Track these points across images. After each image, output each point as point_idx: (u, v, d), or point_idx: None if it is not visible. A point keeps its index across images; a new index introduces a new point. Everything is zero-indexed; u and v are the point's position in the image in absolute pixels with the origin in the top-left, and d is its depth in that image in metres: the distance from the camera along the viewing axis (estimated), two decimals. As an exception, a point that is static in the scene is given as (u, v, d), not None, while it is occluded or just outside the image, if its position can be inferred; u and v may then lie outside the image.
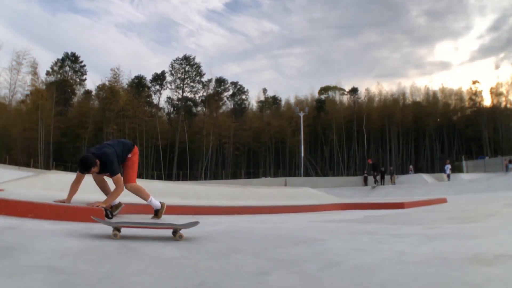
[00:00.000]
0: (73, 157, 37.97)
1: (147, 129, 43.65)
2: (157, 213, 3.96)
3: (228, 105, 53.51)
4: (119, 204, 3.95)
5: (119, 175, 3.63)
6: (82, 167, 3.47)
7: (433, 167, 42.05)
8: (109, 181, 3.90)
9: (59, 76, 45.27)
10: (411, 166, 34.26)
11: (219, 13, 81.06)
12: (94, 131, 41.74)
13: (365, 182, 24.44)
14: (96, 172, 3.58)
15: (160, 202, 4.01)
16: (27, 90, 40.16)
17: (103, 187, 3.91)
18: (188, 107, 51.26)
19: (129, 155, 3.89)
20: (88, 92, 47.66)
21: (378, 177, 17.26)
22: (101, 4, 68.39)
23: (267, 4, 77.30)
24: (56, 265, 1.69)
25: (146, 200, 3.91)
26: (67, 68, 46.85)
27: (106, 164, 3.54)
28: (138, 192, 3.88)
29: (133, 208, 4.28)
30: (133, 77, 48.50)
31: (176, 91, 50.97)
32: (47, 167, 35.20)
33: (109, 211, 3.46)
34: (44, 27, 65.25)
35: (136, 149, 3.99)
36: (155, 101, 50.98)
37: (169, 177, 41.79)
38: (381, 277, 1.67)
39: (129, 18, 74.02)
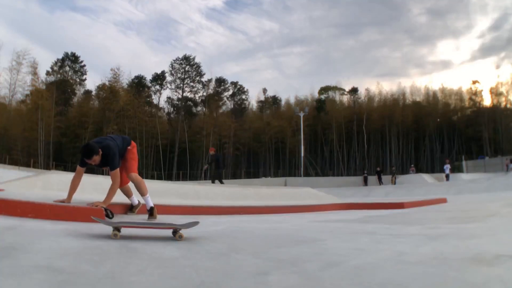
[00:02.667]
0: (73, 157, 37.99)
1: (147, 129, 43.67)
2: (152, 212, 3.96)
3: (228, 105, 53.63)
4: (138, 203, 4.22)
5: (117, 170, 3.65)
6: (85, 153, 3.50)
7: (433, 167, 42.03)
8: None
9: (59, 76, 45.33)
10: (412, 166, 34.21)
11: (219, 11, 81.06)
12: (94, 131, 41.71)
13: (365, 182, 24.47)
14: (97, 162, 3.59)
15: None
16: (27, 90, 40.31)
17: (126, 192, 4.20)
18: (188, 107, 51.29)
19: (129, 147, 4.01)
20: (88, 92, 47.75)
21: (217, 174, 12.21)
22: (100, 2, 68.43)
23: (267, 2, 77.31)
24: (56, 265, 1.69)
25: (143, 195, 3.92)
26: (67, 68, 46.95)
27: (107, 157, 3.59)
28: (140, 183, 3.90)
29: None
30: (133, 77, 48.67)
31: (176, 91, 51.13)
32: (47, 167, 35.22)
33: (109, 211, 3.47)
34: (43, 26, 65.36)
35: (134, 144, 4.12)
36: (155, 101, 51.14)
37: (169, 177, 41.82)
38: (381, 277, 1.67)
39: (128, 16, 74.02)
